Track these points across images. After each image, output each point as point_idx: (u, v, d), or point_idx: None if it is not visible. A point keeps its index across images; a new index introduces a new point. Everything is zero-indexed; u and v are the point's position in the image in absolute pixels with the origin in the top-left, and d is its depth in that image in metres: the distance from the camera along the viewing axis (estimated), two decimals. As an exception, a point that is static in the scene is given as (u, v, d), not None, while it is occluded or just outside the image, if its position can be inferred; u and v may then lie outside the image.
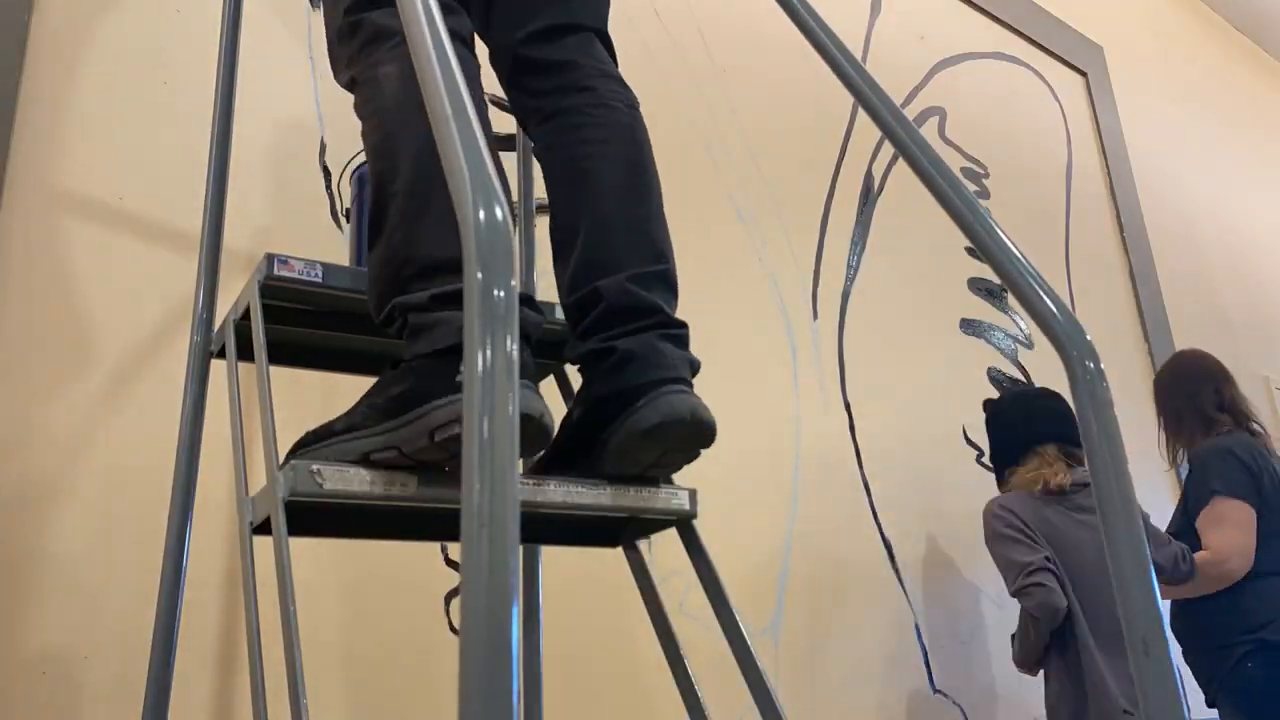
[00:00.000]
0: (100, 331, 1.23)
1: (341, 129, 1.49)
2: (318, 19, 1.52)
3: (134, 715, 1.14)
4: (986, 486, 2.24)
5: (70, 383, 1.19)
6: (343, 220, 1.46)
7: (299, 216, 1.42)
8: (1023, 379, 2.44)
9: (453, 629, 1.39)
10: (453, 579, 1.41)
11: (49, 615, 1.12)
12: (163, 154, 1.33)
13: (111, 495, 1.19)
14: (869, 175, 2.31)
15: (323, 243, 1.43)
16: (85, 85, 1.30)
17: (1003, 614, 2.12)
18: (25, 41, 1.25)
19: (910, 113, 2.47)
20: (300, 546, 1.30)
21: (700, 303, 1.85)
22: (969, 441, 2.25)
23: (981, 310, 2.43)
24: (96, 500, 1.17)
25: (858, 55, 2.39)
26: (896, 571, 1.98)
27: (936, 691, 1.94)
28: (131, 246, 1.28)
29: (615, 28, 1.91)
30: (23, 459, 1.14)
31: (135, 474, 1.21)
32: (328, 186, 1.46)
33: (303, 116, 1.47)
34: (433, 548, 1.40)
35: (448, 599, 1.40)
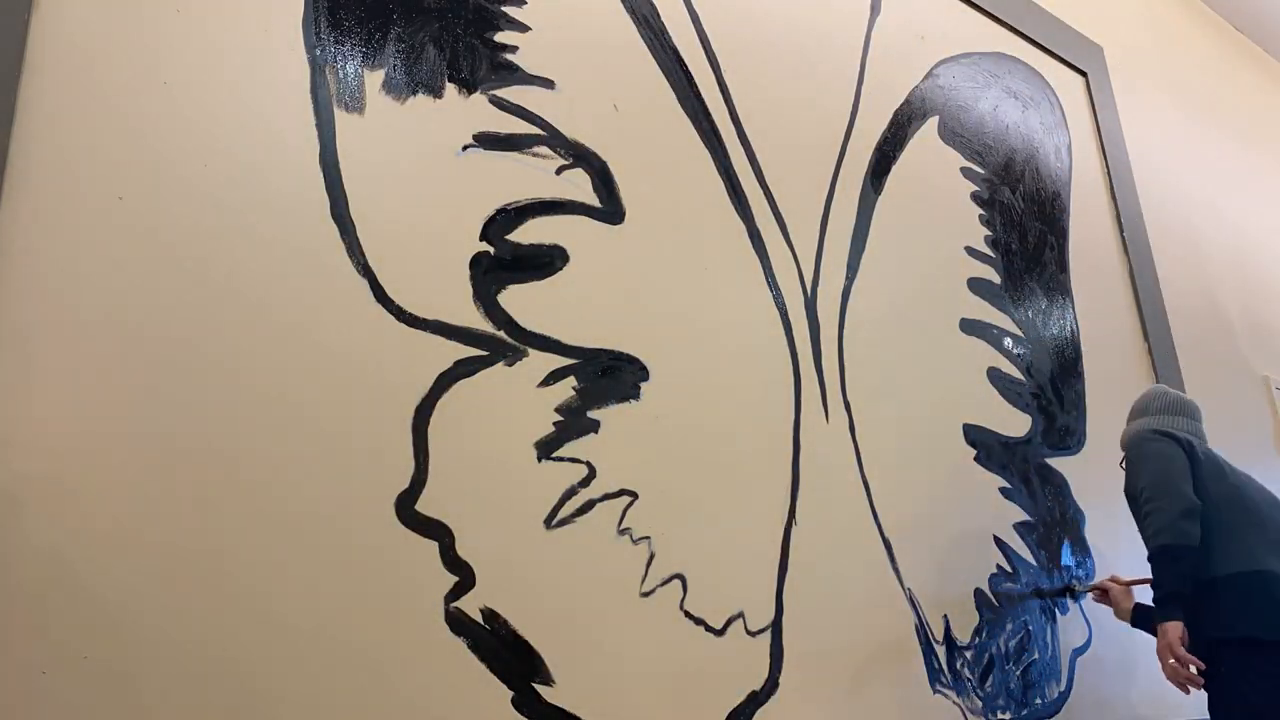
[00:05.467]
0: (101, 331, 1.23)
1: (341, 127, 1.49)
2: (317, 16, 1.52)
3: (133, 715, 1.14)
4: (986, 486, 2.25)
5: (70, 383, 1.19)
6: (344, 219, 1.46)
7: (298, 217, 1.42)
8: (1023, 379, 2.44)
9: (451, 629, 1.39)
10: (451, 580, 1.41)
11: (49, 615, 1.12)
12: (163, 154, 1.33)
13: (111, 495, 1.19)
14: (869, 175, 2.31)
15: (321, 239, 1.43)
16: (85, 85, 1.30)
17: (1002, 613, 2.13)
18: (25, 41, 1.25)
19: (910, 113, 2.47)
20: (296, 549, 1.30)
21: (700, 304, 1.85)
22: (969, 441, 2.25)
23: (981, 310, 2.43)
24: (97, 500, 1.18)
25: (857, 55, 2.40)
26: (896, 571, 1.98)
27: (936, 691, 1.95)
28: (132, 246, 1.28)
29: (614, 25, 1.92)
30: (23, 459, 1.14)
31: (136, 474, 1.21)
32: (328, 186, 1.46)
33: (301, 115, 1.47)
34: (432, 548, 1.41)
35: (447, 599, 1.40)
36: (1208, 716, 1.87)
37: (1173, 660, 1.80)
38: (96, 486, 1.18)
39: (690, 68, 2.00)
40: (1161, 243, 3.13)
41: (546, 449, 1.57)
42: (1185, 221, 3.32)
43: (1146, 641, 2.02)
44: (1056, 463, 2.42)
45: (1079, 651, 2.26)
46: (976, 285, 2.45)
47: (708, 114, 2.01)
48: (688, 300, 1.83)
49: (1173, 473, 1.90)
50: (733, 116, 2.06)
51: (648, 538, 1.64)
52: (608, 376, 1.68)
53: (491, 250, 1.60)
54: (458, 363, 1.51)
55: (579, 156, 1.76)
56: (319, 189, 1.45)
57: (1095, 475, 2.49)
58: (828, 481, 1.94)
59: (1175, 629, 1.80)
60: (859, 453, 2.02)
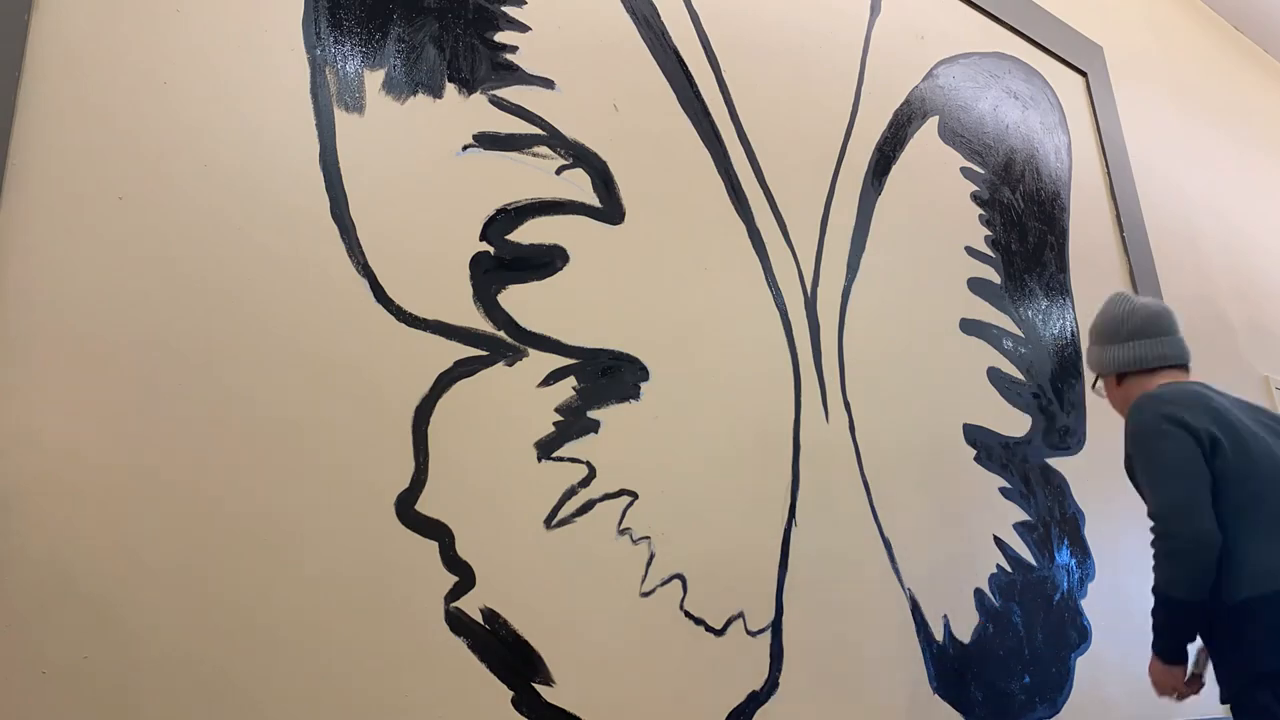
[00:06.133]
0: (101, 332, 1.23)
1: (341, 127, 1.49)
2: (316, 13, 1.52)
3: (133, 715, 1.14)
4: (986, 486, 2.25)
5: (70, 383, 1.19)
6: (344, 219, 1.46)
7: (298, 217, 1.42)
8: (1023, 379, 2.44)
9: (451, 629, 1.39)
10: (451, 580, 1.41)
11: (49, 615, 1.12)
12: (162, 154, 1.33)
13: (111, 495, 1.19)
14: (869, 175, 2.31)
15: (321, 239, 1.43)
16: (85, 85, 1.30)
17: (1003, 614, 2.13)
18: (25, 41, 1.25)
19: (910, 113, 2.47)
20: (296, 549, 1.30)
21: (700, 304, 1.85)
22: (969, 441, 2.25)
23: (981, 310, 2.43)
24: (96, 500, 1.18)
25: (857, 55, 2.40)
26: (896, 571, 1.98)
27: (936, 691, 1.95)
28: (132, 247, 1.28)
29: (614, 25, 1.92)
30: (23, 459, 1.14)
31: (135, 474, 1.21)
32: (328, 186, 1.46)
33: (301, 115, 1.47)
34: (432, 548, 1.41)
35: (447, 599, 1.40)
36: (1208, 717, 1.87)
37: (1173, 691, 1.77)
38: (96, 487, 1.18)
39: (690, 68, 2.00)
40: (1161, 243, 3.13)
41: (546, 449, 1.57)
42: (1185, 221, 3.32)
43: (1145, 642, 2.02)
44: (1056, 463, 2.43)
45: (1079, 652, 2.26)
46: (976, 285, 2.45)
47: (708, 114, 2.01)
48: (688, 300, 1.83)
49: (1195, 493, 1.69)
50: (733, 116, 2.06)
51: (648, 538, 1.64)
52: (608, 376, 1.68)
53: (491, 250, 1.60)
54: (458, 363, 1.51)
55: (579, 156, 1.76)
56: (319, 189, 1.45)
57: (1095, 475, 2.49)
58: (828, 481, 1.94)
59: (1180, 674, 1.76)
60: (859, 453, 2.02)
